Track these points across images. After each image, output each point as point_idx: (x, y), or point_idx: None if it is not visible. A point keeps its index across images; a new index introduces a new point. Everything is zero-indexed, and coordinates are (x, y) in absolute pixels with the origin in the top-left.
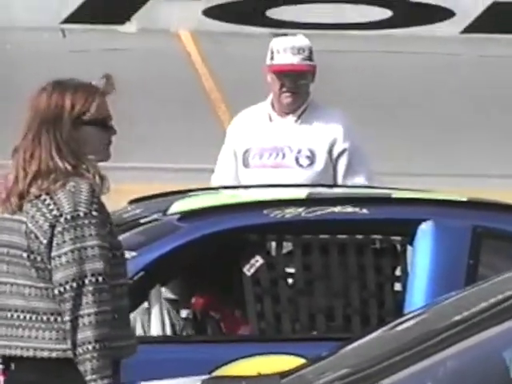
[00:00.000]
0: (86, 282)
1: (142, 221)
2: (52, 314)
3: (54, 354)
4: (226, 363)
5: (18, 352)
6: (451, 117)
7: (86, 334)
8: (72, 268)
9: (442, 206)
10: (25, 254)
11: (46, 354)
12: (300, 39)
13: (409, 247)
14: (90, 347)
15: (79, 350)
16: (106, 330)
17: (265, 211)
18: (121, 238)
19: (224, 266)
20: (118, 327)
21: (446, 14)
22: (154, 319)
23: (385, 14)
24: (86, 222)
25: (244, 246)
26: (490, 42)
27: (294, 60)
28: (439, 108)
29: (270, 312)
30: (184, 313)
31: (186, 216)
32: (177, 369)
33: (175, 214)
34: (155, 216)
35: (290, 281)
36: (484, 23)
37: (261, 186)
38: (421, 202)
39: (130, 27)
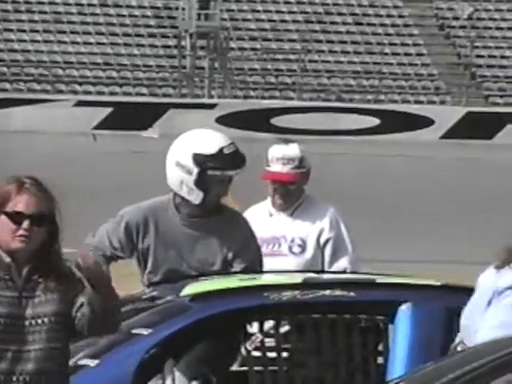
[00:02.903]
0: None
1: (158, 302)
2: None
3: None
4: None
5: None
6: (432, 211)
7: None
8: None
9: (420, 289)
10: None
11: None
12: (291, 149)
13: (390, 326)
14: None
15: None
16: None
17: (265, 294)
18: (138, 316)
19: (229, 342)
20: None
21: (426, 122)
22: None
23: (373, 122)
24: None
25: (246, 324)
26: (465, 146)
27: (284, 170)
28: (421, 203)
29: (269, 382)
30: (194, 383)
31: (196, 298)
32: None
33: (187, 296)
34: (169, 297)
35: (286, 354)
36: (460, 130)
37: (264, 272)
38: (401, 286)
39: (152, 133)
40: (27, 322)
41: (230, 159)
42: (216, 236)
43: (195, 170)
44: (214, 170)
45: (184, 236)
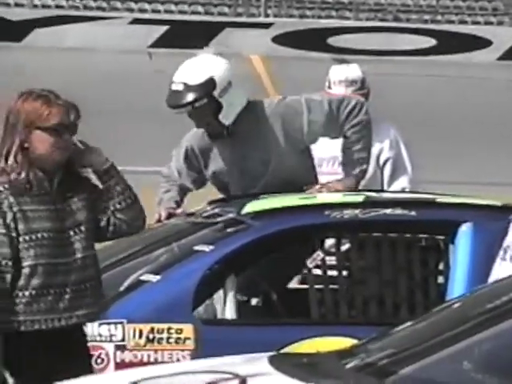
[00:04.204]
0: None
1: (219, 219)
2: None
3: None
4: (290, 343)
5: None
6: (488, 132)
7: None
8: None
9: (481, 209)
10: None
11: None
12: (353, 71)
13: (451, 245)
14: None
15: None
16: None
17: (326, 212)
18: (200, 233)
19: (289, 260)
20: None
21: (483, 42)
22: (228, 304)
23: (429, 42)
24: None
25: (307, 242)
26: None
27: (347, 92)
28: (478, 125)
29: (329, 299)
30: (254, 300)
31: (258, 215)
32: (247, 348)
33: (248, 213)
34: (231, 215)
35: (347, 273)
36: None
37: None
38: (462, 206)
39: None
40: (68, 233)
41: (169, 96)
42: (254, 138)
43: None
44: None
45: (226, 155)
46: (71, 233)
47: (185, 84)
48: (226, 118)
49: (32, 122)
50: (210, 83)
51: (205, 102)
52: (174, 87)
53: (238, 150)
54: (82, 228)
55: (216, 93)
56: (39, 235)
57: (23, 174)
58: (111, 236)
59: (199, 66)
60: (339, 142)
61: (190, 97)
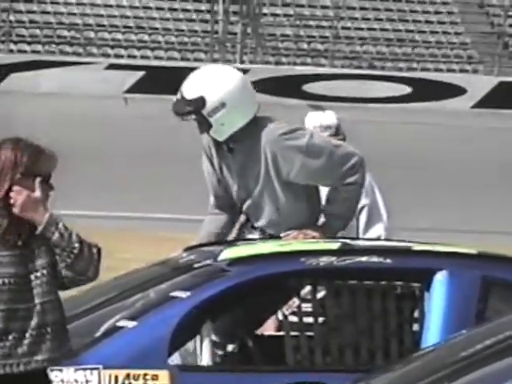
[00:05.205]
0: None
1: (195, 265)
2: None
3: None
4: None
5: None
6: (461, 180)
7: None
8: None
9: (456, 257)
10: None
11: None
12: (328, 117)
13: (426, 293)
14: None
15: None
16: None
17: (302, 259)
18: (176, 280)
19: (265, 306)
20: None
21: (458, 90)
22: (205, 351)
23: (404, 90)
24: None
25: (283, 289)
26: (497, 116)
27: None
28: (451, 172)
29: (304, 346)
30: (230, 346)
31: (234, 262)
32: None
33: (225, 260)
34: (207, 262)
35: (323, 320)
36: (492, 100)
37: None
38: (437, 254)
39: None
40: (30, 278)
41: (174, 102)
42: (250, 155)
43: None
44: None
45: (226, 165)
46: (32, 277)
47: (181, 95)
48: (218, 135)
49: (31, 171)
50: (200, 102)
51: (194, 118)
52: (177, 95)
53: (235, 163)
54: (44, 272)
55: (205, 112)
56: (0, 281)
57: (7, 229)
58: (69, 285)
59: (198, 81)
60: (324, 190)
61: (181, 109)
